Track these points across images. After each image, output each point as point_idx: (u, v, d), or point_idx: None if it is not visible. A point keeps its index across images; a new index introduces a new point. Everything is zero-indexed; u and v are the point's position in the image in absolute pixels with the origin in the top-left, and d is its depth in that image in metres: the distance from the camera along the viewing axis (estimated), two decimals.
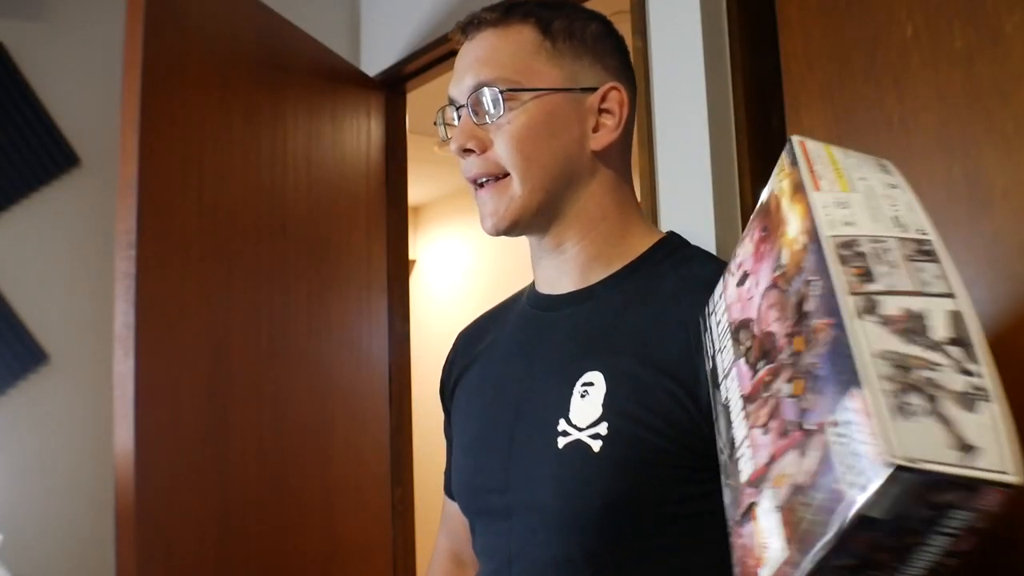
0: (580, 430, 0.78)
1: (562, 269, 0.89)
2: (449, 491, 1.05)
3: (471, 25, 0.87)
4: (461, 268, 4.98)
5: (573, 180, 0.86)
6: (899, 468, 0.40)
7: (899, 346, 0.44)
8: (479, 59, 0.85)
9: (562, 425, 0.79)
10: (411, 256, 3.19)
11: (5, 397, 2.02)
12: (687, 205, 1.49)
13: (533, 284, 0.95)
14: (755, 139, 1.46)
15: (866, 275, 0.48)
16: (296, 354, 1.96)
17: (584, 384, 0.80)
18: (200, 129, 1.74)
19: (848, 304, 0.47)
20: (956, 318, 0.47)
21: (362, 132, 2.32)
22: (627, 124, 0.88)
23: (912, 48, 1.19)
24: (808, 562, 0.45)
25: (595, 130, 0.86)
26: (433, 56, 2.31)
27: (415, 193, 3.13)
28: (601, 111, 0.87)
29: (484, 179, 0.86)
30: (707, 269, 0.82)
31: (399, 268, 2.47)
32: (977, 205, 1.11)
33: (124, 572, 1.48)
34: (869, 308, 0.46)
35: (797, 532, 0.47)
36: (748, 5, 1.49)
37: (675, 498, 0.76)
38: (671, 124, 1.53)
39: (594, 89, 0.86)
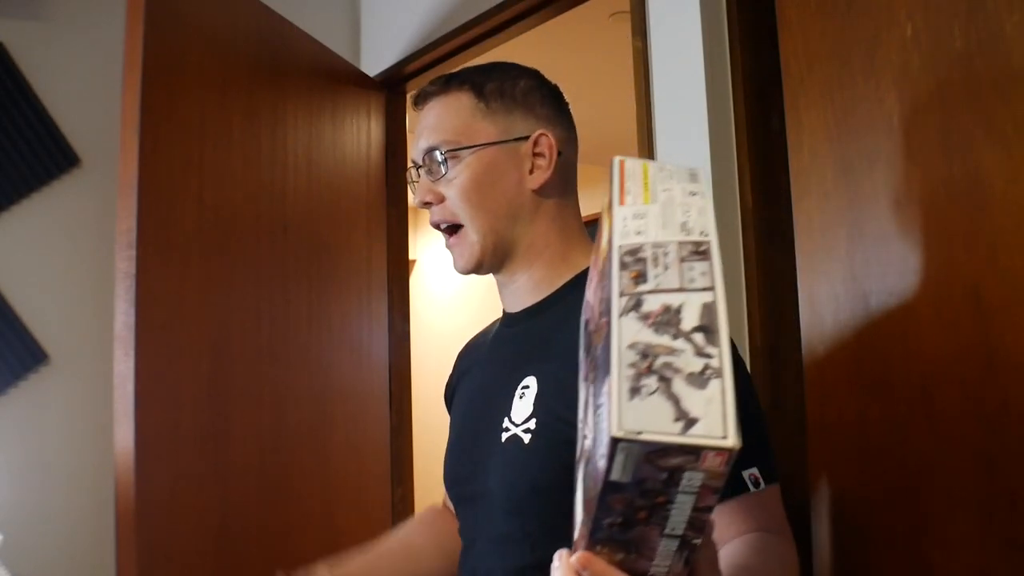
0: (516, 426, 0.93)
1: (517, 294, 1.03)
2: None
3: (420, 98, 1.04)
4: None
5: (518, 217, 1.00)
6: (622, 440, 0.48)
7: (649, 337, 0.53)
8: (428, 126, 1.01)
9: (505, 423, 0.94)
10: (411, 256, 3.19)
11: (5, 397, 2.02)
12: None
13: None
14: (755, 139, 1.46)
15: (640, 277, 0.57)
16: (296, 354, 1.96)
17: (522, 387, 0.95)
18: (200, 129, 1.74)
19: (619, 304, 0.55)
20: (708, 308, 0.54)
21: (362, 132, 2.32)
22: (561, 164, 1.01)
23: (912, 48, 1.19)
24: (589, 522, 0.55)
25: (531, 171, 1.00)
26: (433, 56, 2.31)
27: None
28: (535, 155, 1.00)
29: (444, 225, 1.01)
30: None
31: (399, 268, 2.47)
32: (977, 205, 1.11)
33: (124, 571, 1.48)
34: (634, 306, 0.55)
35: (585, 500, 0.58)
36: (748, 5, 1.49)
37: None
38: (671, 124, 1.53)
39: (526, 138, 1.00)
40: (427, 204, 1.01)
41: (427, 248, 5.38)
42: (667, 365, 0.51)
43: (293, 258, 1.99)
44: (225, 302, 1.76)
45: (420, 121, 1.03)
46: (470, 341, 1.18)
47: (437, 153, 0.99)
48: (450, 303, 5.04)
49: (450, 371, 1.18)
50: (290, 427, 1.89)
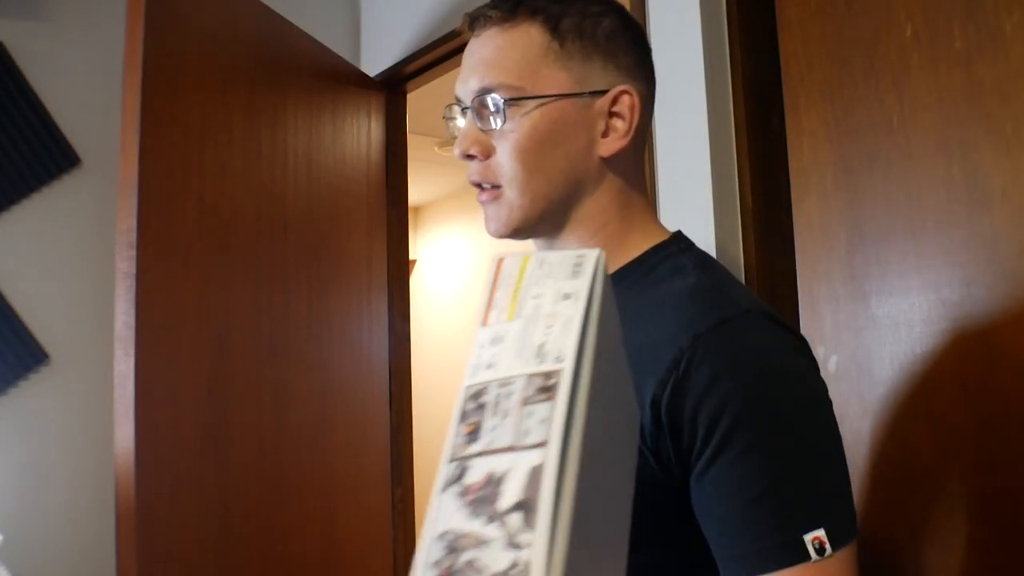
0: None
1: None
2: None
3: (478, 21, 0.84)
4: (461, 268, 4.98)
5: (578, 188, 0.83)
6: None
7: (462, 522, 0.41)
8: (484, 61, 0.82)
9: None
10: (411, 256, 3.19)
11: (5, 397, 2.02)
12: (687, 205, 1.50)
13: None
14: (755, 139, 1.46)
15: (475, 433, 0.44)
16: (296, 354, 1.96)
17: None
18: (201, 129, 1.74)
19: (443, 473, 0.43)
20: (534, 475, 0.41)
21: (362, 132, 2.32)
22: (639, 128, 0.84)
23: (912, 48, 1.19)
24: None
25: (604, 135, 0.83)
26: (433, 56, 2.31)
27: (415, 193, 3.14)
28: (611, 114, 0.83)
29: (487, 185, 0.85)
30: (686, 282, 0.79)
31: (399, 268, 2.47)
32: (977, 205, 1.11)
33: (124, 571, 1.48)
34: (458, 476, 0.43)
35: None
36: (748, 5, 1.49)
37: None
38: (671, 124, 1.53)
39: (604, 92, 0.82)
40: (470, 157, 0.84)
41: (427, 248, 5.38)
42: (470, 565, 0.38)
43: (293, 258, 1.99)
44: (225, 302, 1.77)
45: (473, 51, 0.84)
46: None
47: (494, 98, 0.80)
48: (450, 303, 5.04)
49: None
50: (290, 427, 1.89)
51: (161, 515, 1.54)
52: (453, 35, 2.21)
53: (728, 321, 0.73)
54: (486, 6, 0.84)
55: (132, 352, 1.51)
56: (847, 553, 0.69)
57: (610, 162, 0.84)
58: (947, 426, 1.13)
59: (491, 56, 0.82)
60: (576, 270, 0.50)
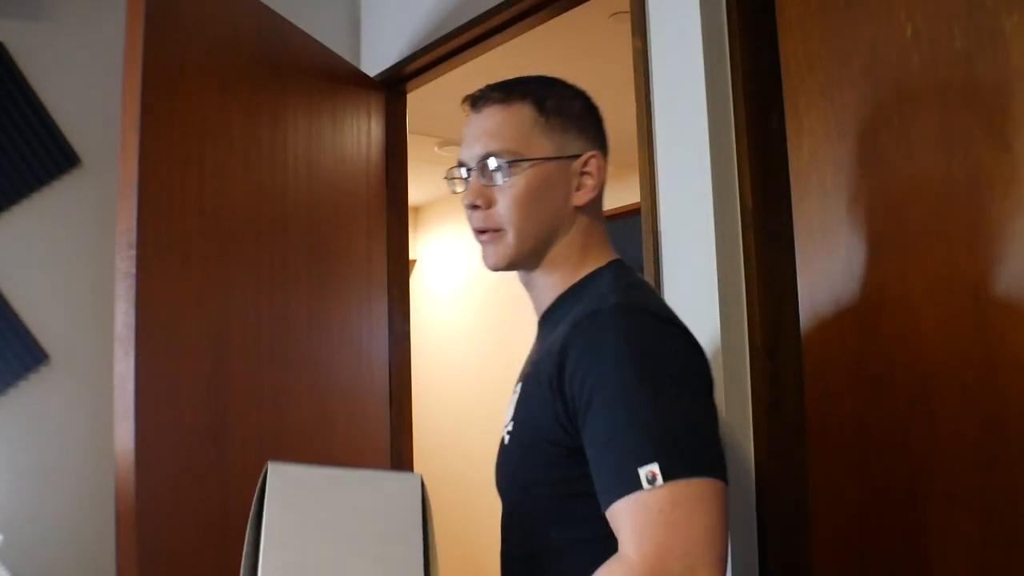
0: (505, 428, 1.04)
1: (538, 298, 1.10)
2: None
3: (480, 100, 1.06)
4: (461, 268, 4.98)
5: (557, 230, 1.06)
6: None
7: None
8: (487, 131, 1.04)
9: (506, 423, 1.04)
10: (411, 256, 3.19)
11: (5, 397, 2.02)
12: (687, 205, 1.50)
13: None
14: (755, 139, 1.46)
15: None
16: (296, 354, 1.96)
17: (514, 391, 1.05)
18: (201, 129, 1.74)
19: None
20: None
21: (362, 132, 2.32)
22: (602, 182, 1.08)
23: (912, 48, 1.19)
24: None
25: (578, 189, 1.06)
26: (433, 56, 2.31)
27: (415, 193, 3.13)
28: (583, 173, 1.06)
29: (489, 231, 1.05)
30: (585, 308, 0.98)
31: (399, 268, 2.47)
32: (977, 205, 1.11)
33: (124, 571, 1.48)
34: None
35: None
36: (748, 5, 1.49)
37: (556, 478, 0.97)
38: (671, 124, 1.53)
39: (578, 156, 1.05)
40: (475, 207, 1.05)
41: (427, 248, 5.38)
42: None
43: (293, 258, 1.99)
44: (225, 302, 1.76)
45: (477, 124, 1.06)
46: None
47: (498, 160, 1.02)
48: (450, 303, 5.03)
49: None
50: (290, 427, 1.89)
51: (161, 515, 1.54)
52: (453, 35, 2.21)
53: (598, 311, 0.94)
54: (487, 89, 1.07)
55: (132, 352, 1.51)
56: (685, 486, 0.84)
57: (581, 209, 1.07)
58: (947, 426, 1.13)
59: (493, 128, 1.04)
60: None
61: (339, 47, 2.36)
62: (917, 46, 1.19)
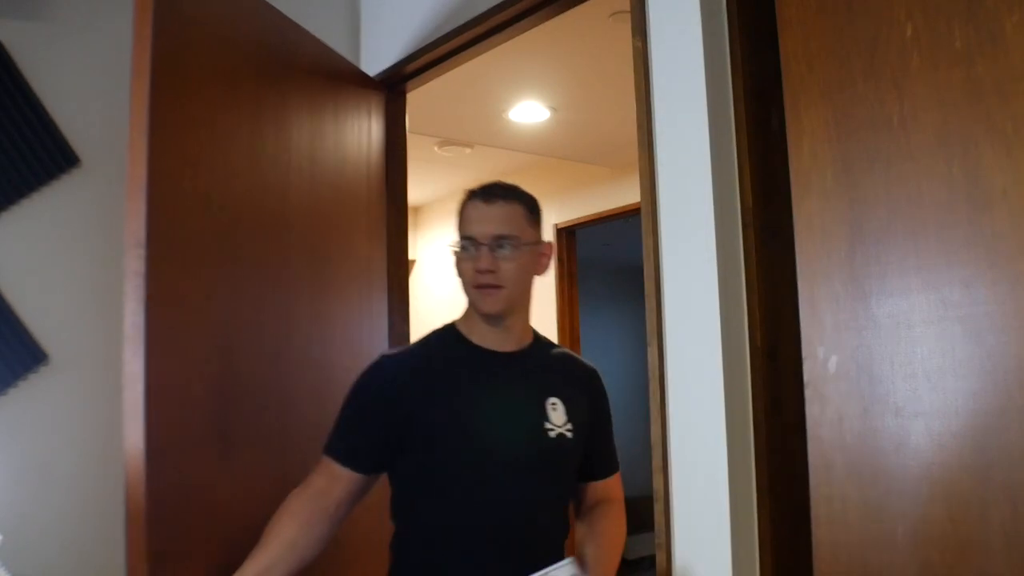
0: (559, 427, 1.46)
1: (505, 337, 1.49)
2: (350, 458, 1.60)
3: (491, 196, 1.45)
4: None
5: (527, 289, 1.50)
6: None
7: None
8: (500, 219, 1.43)
9: (547, 424, 1.46)
10: (411, 256, 3.19)
11: (5, 397, 2.02)
12: (687, 205, 1.50)
13: (459, 336, 1.52)
14: (755, 139, 1.46)
15: None
16: (298, 353, 1.95)
17: (551, 403, 1.48)
18: (209, 128, 1.73)
19: None
20: None
21: (363, 132, 2.32)
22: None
23: (912, 48, 1.19)
24: None
25: (539, 265, 1.50)
26: (433, 56, 2.31)
27: (415, 193, 3.13)
28: (542, 255, 1.50)
29: (495, 286, 1.43)
30: (580, 363, 1.62)
31: (399, 268, 2.47)
32: (977, 205, 1.11)
33: (135, 571, 1.48)
34: None
35: None
36: (748, 5, 1.49)
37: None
38: (671, 124, 1.54)
39: (542, 242, 1.50)
40: (486, 271, 1.42)
41: (427, 248, 5.38)
42: None
43: (296, 258, 1.99)
44: (231, 302, 1.76)
45: (488, 211, 1.44)
46: (413, 364, 1.52)
47: (509, 240, 1.42)
48: (450, 303, 5.04)
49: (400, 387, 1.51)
50: (293, 427, 1.89)
51: (171, 515, 1.53)
52: (453, 35, 2.21)
53: (596, 373, 1.60)
54: (494, 188, 1.46)
55: (142, 352, 1.49)
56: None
57: (537, 276, 1.52)
58: (947, 426, 1.13)
59: (504, 217, 1.44)
60: None
61: (339, 47, 2.36)
62: (917, 46, 1.19)
